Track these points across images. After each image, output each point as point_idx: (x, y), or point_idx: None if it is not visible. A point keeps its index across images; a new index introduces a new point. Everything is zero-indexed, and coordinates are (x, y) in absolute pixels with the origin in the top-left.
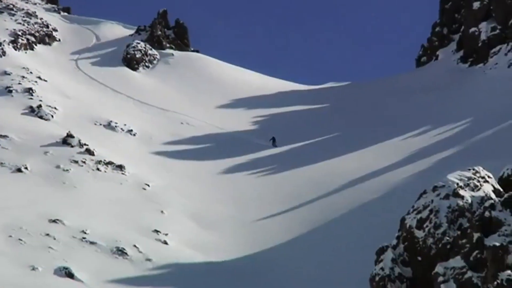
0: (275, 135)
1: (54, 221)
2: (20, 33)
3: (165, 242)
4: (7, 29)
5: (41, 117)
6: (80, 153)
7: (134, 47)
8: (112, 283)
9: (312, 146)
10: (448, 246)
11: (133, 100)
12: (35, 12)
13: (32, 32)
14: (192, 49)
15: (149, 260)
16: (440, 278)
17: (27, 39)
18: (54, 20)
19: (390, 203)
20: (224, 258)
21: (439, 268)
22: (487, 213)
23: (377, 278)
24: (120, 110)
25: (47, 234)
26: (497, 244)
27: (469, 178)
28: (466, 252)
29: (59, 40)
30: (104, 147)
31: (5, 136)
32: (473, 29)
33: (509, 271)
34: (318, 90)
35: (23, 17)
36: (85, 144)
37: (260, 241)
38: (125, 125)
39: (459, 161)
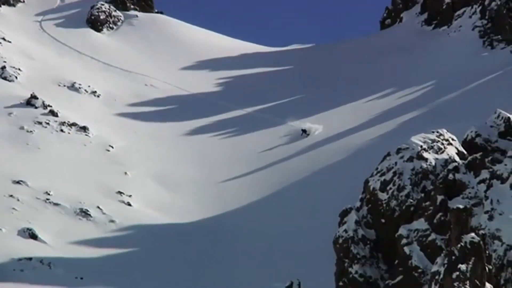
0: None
1: (17, 182)
2: None
3: (129, 204)
4: None
5: (4, 78)
6: (44, 114)
7: (98, 8)
8: (75, 244)
9: (276, 108)
10: (412, 209)
11: (97, 62)
12: None
13: None
14: (156, 10)
15: (112, 221)
16: (404, 240)
17: None
18: None
19: (354, 165)
20: (188, 220)
21: (402, 230)
22: (451, 176)
23: (340, 240)
24: (84, 71)
25: (11, 196)
26: (461, 206)
27: (433, 141)
28: (430, 215)
29: (24, 1)
30: (68, 108)
31: None
32: None
33: (472, 234)
34: (282, 52)
35: None
36: (49, 106)
37: (224, 203)
38: (89, 86)
39: (423, 124)
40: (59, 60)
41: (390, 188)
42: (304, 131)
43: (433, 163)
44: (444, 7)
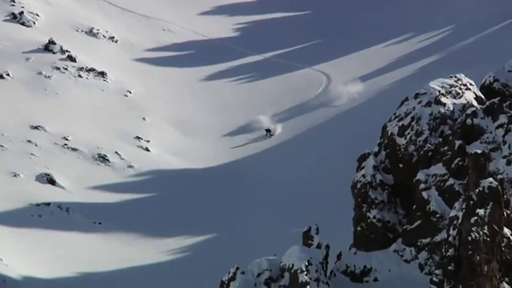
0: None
1: (35, 127)
2: None
3: (147, 149)
4: None
5: (22, 24)
6: (62, 59)
7: None
8: (93, 190)
9: (294, 53)
10: (430, 154)
11: (115, 7)
12: None
13: None
14: None
15: (130, 166)
16: (422, 185)
17: None
18: None
19: (371, 110)
20: (205, 165)
21: (420, 175)
22: (469, 121)
23: (358, 185)
24: (102, 16)
25: (29, 141)
26: (479, 151)
27: (451, 86)
28: (448, 160)
29: None
30: (85, 53)
31: None
32: None
33: (490, 179)
34: None
35: None
36: (67, 51)
37: (241, 149)
38: (106, 31)
39: (441, 69)
40: (77, 5)
41: (408, 133)
42: (268, 130)
43: (451, 108)
44: None
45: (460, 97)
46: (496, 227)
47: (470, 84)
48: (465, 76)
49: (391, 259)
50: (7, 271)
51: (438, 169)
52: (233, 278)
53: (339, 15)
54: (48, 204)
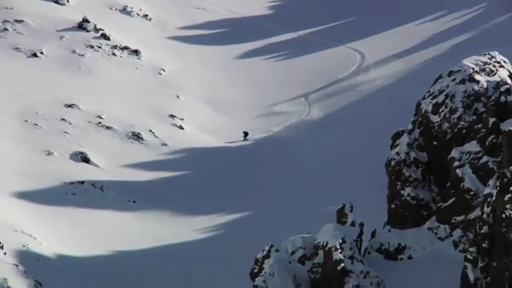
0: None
1: (70, 106)
2: None
3: (181, 127)
4: None
5: (56, 2)
6: (96, 38)
7: None
8: (127, 168)
9: (327, 31)
10: (464, 131)
11: None
12: None
13: None
14: None
15: (164, 144)
16: (456, 163)
17: None
18: None
19: (405, 87)
20: (239, 143)
21: (454, 153)
22: (502, 98)
23: (392, 163)
24: None
25: (63, 119)
26: None
27: (485, 63)
28: (482, 137)
29: None
30: (119, 32)
31: (20, 21)
32: None
33: None
34: None
35: None
36: (100, 29)
37: (275, 126)
38: (140, 10)
39: (474, 46)
40: None
41: (442, 111)
42: (246, 133)
43: (485, 86)
44: None
45: (494, 74)
46: None
47: (504, 61)
48: (499, 53)
49: (425, 236)
50: (41, 249)
51: (472, 146)
52: (267, 256)
53: None
54: (82, 182)
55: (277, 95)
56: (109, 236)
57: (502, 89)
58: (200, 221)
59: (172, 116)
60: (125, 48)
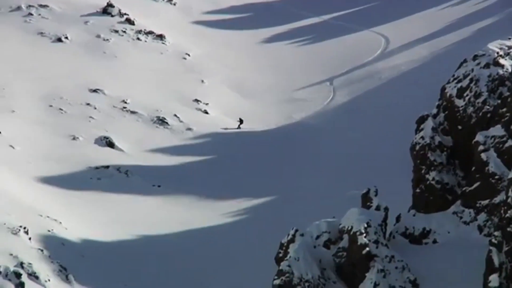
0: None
1: (94, 90)
2: None
3: (206, 112)
4: None
5: None
6: (121, 22)
7: None
8: (152, 152)
9: (352, 15)
10: (489, 115)
11: None
12: None
13: None
14: None
15: (189, 129)
16: (481, 147)
17: None
18: None
19: (430, 71)
20: (264, 127)
21: (479, 137)
22: None
23: (417, 147)
24: None
25: (88, 104)
26: None
27: (510, 47)
28: (507, 121)
29: None
30: (144, 16)
31: (45, 6)
32: None
33: None
34: None
35: None
36: (125, 14)
37: (300, 110)
38: None
39: (499, 30)
40: None
41: (467, 95)
42: (241, 121)
43: (510, 70)
44: None
45: None
46: None
47: None
48: None
49: (450, 220)
50: (66, 234)
51: (497, 130)
52: (292, 240)
53: None
54: (107, 167)
55: (301, 80)
56: (134, 221)
57: None
58: (225, 205)
59: (197, 100)
60: (150, 33)
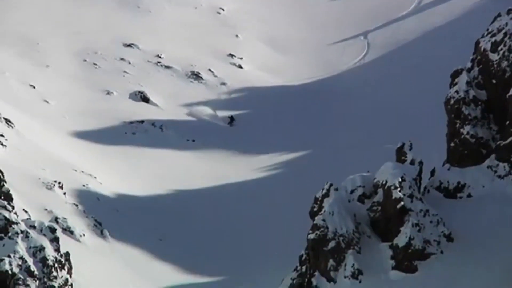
0: None
1: (129, 45)
2: None
3: (240, 66)
4: None
5: None
6: None
7: None
8: (187, 107)
9: None
10: None
11: None
12: None
13: None
14: None
15: (224, 84)
16: None
17: None
18: None
19: (464, 26)
20: (299, 81)
21: None
22: None
23: (452, 101)
24: None
25: (122, 59)
26: None
27: None
28: None
29: None
30: None
31: None
32: None
33: None
34: None
35: None
36: None
37: (334, 66)
38: None
39: None
40: None
41: (501, 49)
42: (231, 118)
43: None
44: None
45: None
46: None
47: None
48: None
49: (484, 175)
50: (101, 189)
51: None
52: (326, 195)
53: None
54: (142, 121)
55: (335, 34)
56: (169, 176)
57: None
58: (260, 160)
59: (231, 55)
60: None
